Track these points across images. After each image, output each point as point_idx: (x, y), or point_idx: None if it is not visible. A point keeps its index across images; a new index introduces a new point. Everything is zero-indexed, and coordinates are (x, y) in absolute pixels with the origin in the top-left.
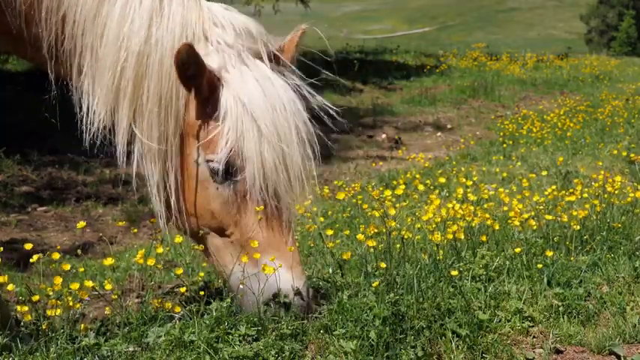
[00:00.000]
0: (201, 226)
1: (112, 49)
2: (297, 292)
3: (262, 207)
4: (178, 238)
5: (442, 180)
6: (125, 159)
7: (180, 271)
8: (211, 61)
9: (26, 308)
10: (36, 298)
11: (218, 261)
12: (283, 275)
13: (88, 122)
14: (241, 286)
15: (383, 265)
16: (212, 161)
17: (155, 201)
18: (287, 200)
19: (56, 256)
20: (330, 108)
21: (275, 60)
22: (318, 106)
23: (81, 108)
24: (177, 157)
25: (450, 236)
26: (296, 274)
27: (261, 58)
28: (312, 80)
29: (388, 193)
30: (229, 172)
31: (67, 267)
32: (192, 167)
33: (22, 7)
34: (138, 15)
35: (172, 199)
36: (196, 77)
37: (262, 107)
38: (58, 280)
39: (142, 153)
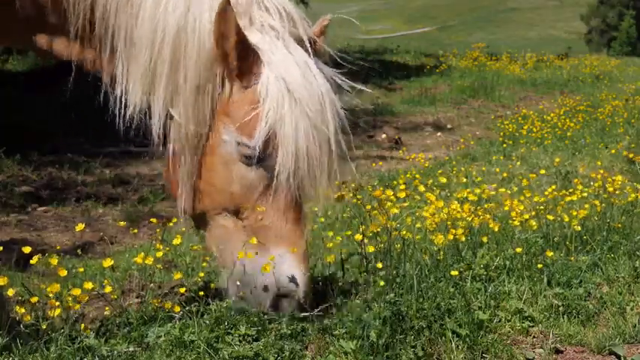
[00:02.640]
0: (214, 206)
1: (148, 30)
2: (301, 288)
3: (285, 195)
4: (177, 239)
5: (443, 180)
6: (162, 143)
7: (179, 275)
8: (253, 39)
9: (25, 309)
10: (35, 299)
11: (223, 244)
12: (290, 269)
13: (122, 106)
14: (244, 273)
15: (379, 265)
16: (244, 144)
17: (181, 185)
18: (310, 193)
19: (54, 261)
20: (358, 102)
21: (313, 46)
22: (351, 97)
23: (113, 92)
24: (205, 140)
25: (451, 236)
26: (303, 269)
27: (301, 43)
28: (345, 70)
29: (390, 193)
30: (261, 157)
31: (64, 273)
32: (218, 145)
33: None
34: None
35: (190, 177)
36: (228, 37)
37: (304, 91)
38: (56, 287)
39: (177, 136)
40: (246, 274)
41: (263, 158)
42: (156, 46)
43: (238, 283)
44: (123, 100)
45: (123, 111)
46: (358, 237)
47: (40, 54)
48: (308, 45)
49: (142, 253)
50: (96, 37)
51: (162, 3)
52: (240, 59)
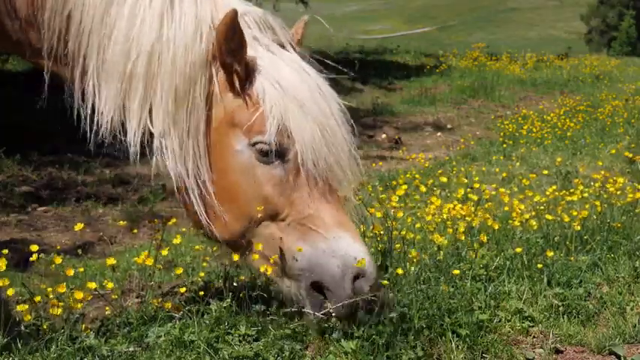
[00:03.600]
0: (250, 221)
1: (122, 49)
2: (372, 265)
3: (316, 181)
4: (177, 239)
5: (444, 179)
6: (137, 158)
7: (180, 270)
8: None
9: (26, 307)
10: (37, 299)
11: (274, 252)
12: (357, 247)
13: (94, 123)
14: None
15: (400, 271)
16: (260, 143)
17: (192, 200)
18: (340, 173)
19: (58, 260)
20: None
21: (294, 51)
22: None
23: (82, 110)
24: (206, 155)
25: (451, 231)
26: (362, 246)
27: (284, 48)
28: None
29: (395, 198)
30: (279, 150)
31: (71, 272)
32: (232, 158)
33: (23, 9)
34: (148, 14)
35: (205, 202)
36: (239, 50)
37: (299, 87)
38: (63, 288)
39: (166, 152)
40: (311, 266)
41: (282, 152)
42: (129, 66)
43: (306, 283)
44: (96, 116)
45: (94, 127)
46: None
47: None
48: (290, 48)
49: (144, 253)
50: (69, 55)
51: (136, 24)
52: (241, 69)
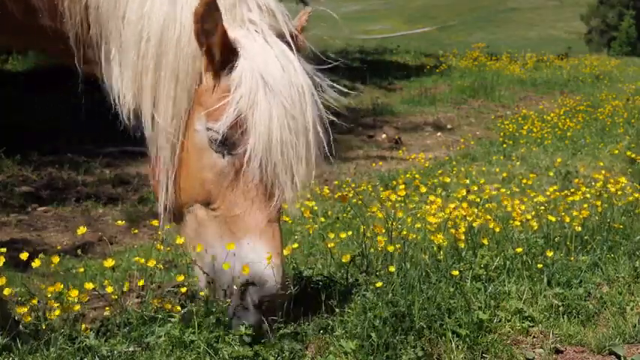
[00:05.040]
0: (188, 198)
1: (135, 30)
2: (273, 280)
3: (256, 184)
4: (180, 239)
5: (447, 179)
6: (156, 143)
7: (181, 278)
8: (233, 33)
9: (25, 309)
10: (34, 302)
11: (197, 236)
12: (259, 257)
13: (119, 108)
14: (215, 264)
15: (392, 268)
16: (212, 129)
17: (161, 183)
18: (285, 180)
19: (56, 259)
20: (338, 100)
21: (294, 41)
22: (330, 95)
23: (112, 94)
24: (183, 129)
25: (453, 231)
26: (275, 259)
27: (282, 37)
28: (325, 67)
29: (394, 197)
30: (227, 143)
31: (81, 270)
32: (191, 135)
33: (44, 2)
34: None
35: (170, 175)
36: (212, 33)
37: (280, 82)
38: (60, 286)
39: (157, 135)
40: (216, 263)
41: (232, 145)
42: (142, 44)
43: (207, 273)
44: (120, 100)
45: (120, 113)
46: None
47: (51, 57)
48: (289, 39)
49: (147, 258)
50: (94, 41)
51: (146, 3)
52: (220, 52)
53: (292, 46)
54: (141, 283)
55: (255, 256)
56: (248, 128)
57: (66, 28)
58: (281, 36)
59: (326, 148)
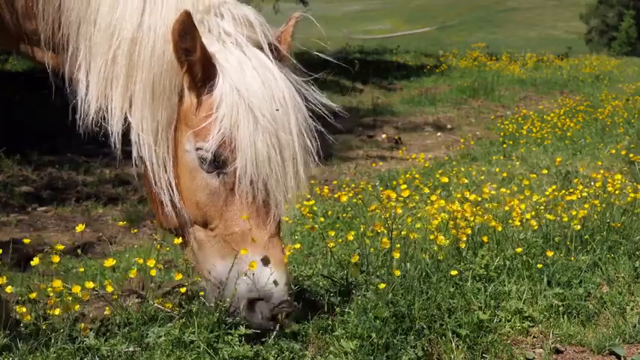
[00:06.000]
0: (184, 220)
1: (105, 36)
2: (281, 293)
3: (251, 200)
4: (178, 240)
5: (445, 180)
6: (120, 148)
7: (179, 276)
8: (212, 48)
9: (25, 309)
10: (33, 295)
11: (199, 255)
12: (265, 273)
13: (83, 112)
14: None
15: (397, 272)
16: (201, 149)
17: (154, 199)
18: (278, 196)
19: (56, 259)
20: (327, 106)
21: (275, 51)
22: (317, 102)
23: (76, 98)
24: (172, 149)
25: (454, 231)
26: (279, 272)
27: (261, 48)
28: (310, 78)
29: (393, 195)
30: (218, 162)
31: (82, 269)
32: (182, 156)
33: (21, 1)
34: (130, 1)
35: (166, 191)
36: (192, 51)
37: (260, 97)
38: (58, 283)
39: (139, 143)
40: (221, 283)
41: (222, 163)
42: (111, 52)
43: (216, 293)
44: (84, 105)
45: (84, 116)
46: (350, 237)
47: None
48: (267, 50)
49: (148, 258)
50: (62, 43)
51: (118, 9)
52: (199, 67)
53: (270, 56)
54: (133, 273)
55: (259, 272)
56: (235, 147)
57: (38, 30)
58: (259, 47)
59: (317, 154)
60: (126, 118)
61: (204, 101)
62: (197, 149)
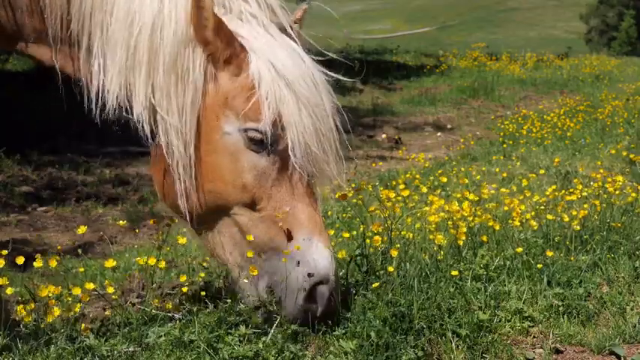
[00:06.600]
0: (223, 203)
1: (124, 25)
2: (333, 272)
3: (298, 178)
4: (181, 239)
5: (444, 179)
6: (149, 135)
7: (184, 278)
8: (234, 26)
9: (24, 312)
10: (32, 306)
11: (238, 242)
12: (322, 253)
13: (100, 103)
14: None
15: (391, 268)
16: (252, 130)
17: (178, 179)
18: (325, 170)
19: (54, 264)
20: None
21: (295, 34)
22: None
23: (90, 91)
24: (194, 132)
25: (453, 231)
26: (330, 251)
27: (284, 30)
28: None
29: (393, 194)
30: (268, 141)
31: (82, 270)
32: (220, 139)
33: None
34: None
35: (189, 176)
36: (211, 29)
37: (294, 74)
38: (52, 288)
39: (164, 127)
40: (273, 268)
41: (273, 142)
42: (132, 40)
43: (264, 284)
44: (103, 95)
45: (102, 106)
46: (345, 235)
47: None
48: (291, 32)
49: (147, 257)
50: (72, 37)
51: None
52: (224, 47)
53: (295, 39)
54: (136, 272)
55: (316, 251)
56: (284, 123)
57: (45, 26)
58: (282, 30)
59: (342, 129)
60: (151, 104)
61: (242, 80)
62: (245, 130)
